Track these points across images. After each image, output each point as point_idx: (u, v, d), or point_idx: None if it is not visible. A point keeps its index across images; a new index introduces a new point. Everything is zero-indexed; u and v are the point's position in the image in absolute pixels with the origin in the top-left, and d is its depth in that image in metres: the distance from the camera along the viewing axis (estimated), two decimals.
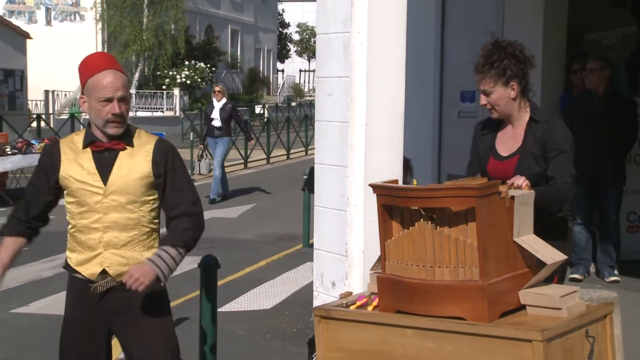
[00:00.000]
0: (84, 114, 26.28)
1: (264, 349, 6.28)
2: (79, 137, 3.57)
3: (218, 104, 14.27)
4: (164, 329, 3.57)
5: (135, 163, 3.49)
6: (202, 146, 15.34)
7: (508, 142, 3.87)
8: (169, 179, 3.52)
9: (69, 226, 3.58)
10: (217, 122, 14.23)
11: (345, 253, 6.60)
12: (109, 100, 3.41)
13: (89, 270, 3.51)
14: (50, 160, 3.56)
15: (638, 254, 8.07)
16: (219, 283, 4.72)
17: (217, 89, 14.59)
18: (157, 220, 3.60)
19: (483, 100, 3.83)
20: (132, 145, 3.51)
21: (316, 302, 7.00)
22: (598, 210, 7.77)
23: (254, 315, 7.27)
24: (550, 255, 3.25)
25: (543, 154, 3.75)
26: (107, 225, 3.47)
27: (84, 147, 3.51)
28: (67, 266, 3.61)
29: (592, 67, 7.56)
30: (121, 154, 3.49)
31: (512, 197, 3.25)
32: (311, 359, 4.91)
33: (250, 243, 10.77)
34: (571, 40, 8.36)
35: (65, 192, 3.54)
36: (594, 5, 8.76)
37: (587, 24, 8.72)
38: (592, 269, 7.89)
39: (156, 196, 3.54)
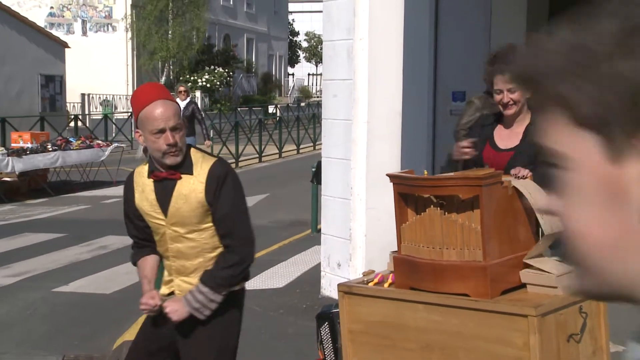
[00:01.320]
0: (116, 114, 26.32)
1: (278, 323, 6.26)
2: (146, 167, 3.30)
3: (182, 104, 12.66)
4: (219, 354, 3.34)
5: (190, 193, 3.17)
6: None
7: (506, 137, 3.87)
8: (214, 205, 3.17)
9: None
10: None
11: (349, 237, 6.59)
12: (162, 131, 3.10)
13: (166, 291, 3.33)
14: (127, 191, 3.34)
15: None
16: None
17: (181, 88, 13.28)
18: (219, 244, 3.30)
19: (506, 97, 3.80)
20: (188, 173, 3.19)
21: (323, 281, 6.99)
22: None
23: (268, 293, 7.25)
24: (551, 225, 3.23)
25: (536, 155, 3.75)
26: (174, 254, 3.25)
27: (148, 177, 3.26)
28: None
29: None
30: (178, 184, 3.18)
31: (515, 187, 3.25)
32: (319, 331, 4.89)
33: (264, 228, 10.74)
34: None
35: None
36: (574, 5, 8.70)
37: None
38: None
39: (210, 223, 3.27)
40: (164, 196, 3.20)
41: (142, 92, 3.27)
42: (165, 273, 3.36)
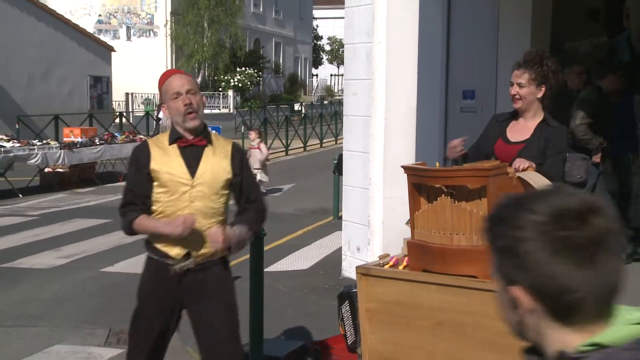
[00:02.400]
0: (155, 111, 26.46)
1: (302, 301, 6.26)
2: (164, 137, 3.37)
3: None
4: (227, 312, 3.39)
5: (217, 160, 3.31)
6: None
7: (518, 131, 3.82)
8: (244, 178, 3.37)
9: (155, 213, 3.32)
10: (164, 121, 11.85)
11: (368, 223, 6.56)
12: (178, 94, 3.25)
13: (174, 251, 3.29)
14: (142, 156, 3.33)
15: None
16: (265, 248, 4.69)
17: None
18: (226, 212, 3.41)
19: (514, 90, 3.75)
20: (212, 144, 3.34)
21: (344, 264, 6.97)
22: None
23: (294, 274, 7.25)
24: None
25: (544, 151, 3.70)
26: (193, 212, 3.26)
27: (170, 143, 3.31)
28: (148, 247, 3.39)
29: (579, 70, 7.47)
30: (205, 150, 3.30)
31: (519, 177, 3.23)
32: (340, 310, 4.88)
33: (290, 215, 10.75)
34: (553, 47, 8.20)
35: (155, 183, 3.29)
36: (573, 18, 8.62)
37: (566, 33, 8.57)
38: None
39: (229, 191, 3.37)
40: (191, 160, 3.28)
41: (164, 74, 3.43)
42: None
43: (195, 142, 3.30)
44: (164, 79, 3.36)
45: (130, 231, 3.36)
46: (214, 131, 3.50)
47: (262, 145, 12.45)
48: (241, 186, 3.39)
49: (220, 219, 3.35)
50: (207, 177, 3.28)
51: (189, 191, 3.26)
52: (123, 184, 12.65)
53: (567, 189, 1.21)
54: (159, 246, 3.33)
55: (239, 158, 3.38)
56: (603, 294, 1.17)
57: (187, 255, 3.30)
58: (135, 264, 7.72)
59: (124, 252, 8.25)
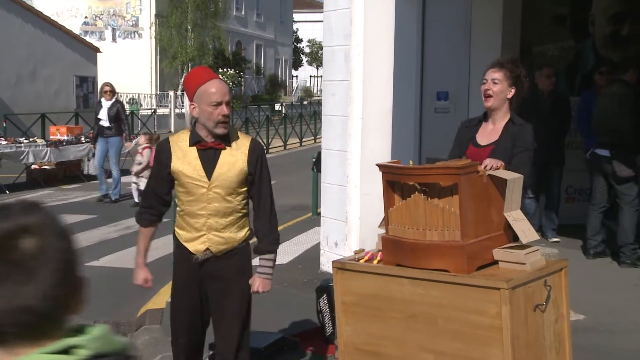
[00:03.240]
0: (141, 110, 26.21)
1: (282, 295, 6.25)
2: (185, 136, 3.39)
3: (107, 104, 10.99)
4: (241, 300, 3.49)
5: (234, 161, 3.34)
6: (92, 146, 12.04)
7: (487, 134, 3.82)
8: (256, 177, 3.41)
9: (178, 209, 3.46)
10: (104, 122, 11.00)
11: (346, 219, 6.57)
12: (219, 104, 3.25)
13: (194, 247, 3.42)
14: (164, 156, 3.39)
15: (574, 219, 8.02)
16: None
17: (107, 88, 11.12)
18: (247, 206, 3.48)
19: (487, 85, 3.75)
20: (230, 145, 3.36)
21: (322, 258, 6.97)
22: (544, 186, 7.71)
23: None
24: (526, 234, 3.23)
25: (512, 149, 3.70)
26: (210, 212, 3.35)
27: (190, 145, 3.35)
28: (175, 238, 3.52)
29: (549, 73, 7.50)
30: (222, 152, 3.34)
31: (489, 175, 3.24)
32: (318, 303, 4.89)
33: None
34: (523, 50, 8.27)
35: (175, 182, 3.40)
36: (541, 23, 8.69)
37: (535, 38, 8.64)
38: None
39: (246, 188, 3.42)
40: (208, 163, 3.33)
41: (198, 73, 3.38)
42: (192, 232, 3.41)
43: (214, 145, 3.33)
44: (200, 80, 3.29)
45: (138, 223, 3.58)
46: (233, 129, 3.50)
47: (146, 152, 10.55)
48: (253, 183, 3.42)
49: (240, 215, 3.42)
50: (222, 179, 3.32)
51: (206, 193, 3.33)
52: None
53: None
54: (181, 240, 3.47)
55: (256, 155, 3.39)
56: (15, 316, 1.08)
57: (206, 251, 3.42)
58: (120, 259, 7.67)
59: (109, 247, 8.19)
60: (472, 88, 7.12)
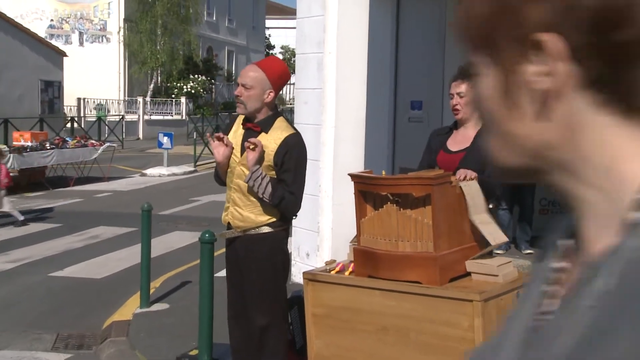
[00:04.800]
0: (108, 117, 25.95)
1: None
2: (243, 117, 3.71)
3: None
4: (268, 281, 3.62)
5: (264, 147, 3.52)
6: None
7: (459, 141, 3.87)
8: (281, 170, 3.53)
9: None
10: None
11: (318, 230, 6.57)
12: (238, 84, 3.62)
13: (223, 218, 3.71)
14: (228, 128, 3.76)
15: (547, 231, 8.11)
16: (215, 254, 4.66)
17: None
18: None
19: (455, 100, 3.80)
20: (267, 132, 3.57)
21: (294, 269, 6.95)
22: (517, 198, 7.80)
23: None
24: (494, 237, 3.26)
25: (484, 158, 3.74)
26: (235, 187, 3.60)
27: (242, 123, 3.68)
28: None
29: None
30: (260, 136, 3.55)
31: (461, 187, 3.27)
32: (289, 314, 4.86)
33: None
34: None
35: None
36: None
37: None
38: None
39: (272, 176, 3.57)
40: (245, 141, 3.57)
41: (281, 63, 3.79)
42: (227, 203, 3.69)
43: (251, 127, 3.61)
44: (283, 73, 3.66)
45: (218, 179, 3.80)
46: (283, 119, 3.66)
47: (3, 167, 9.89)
48: (279, 175, 3.54)
49: (260, 204, 3.55)
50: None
51: (236, 167, 3.60)
52: (74, 188, 12.37)
53: None
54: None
55: (286, 150, 3.52)
56: None
57: (229, 226, 3.66)
58: (84, 269, 7.58)
59: (73, 257, 8.09)
60: (445, 97, 7.17)
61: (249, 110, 3.59)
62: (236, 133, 3.68)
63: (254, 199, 3.56)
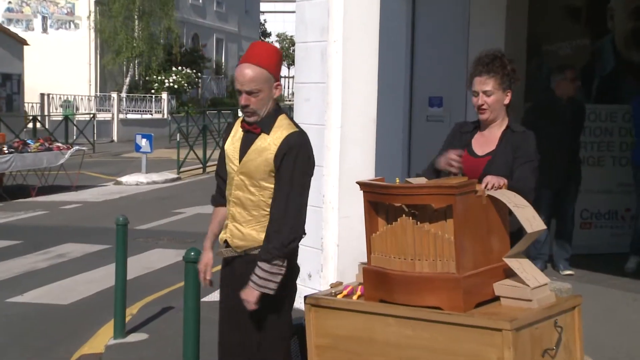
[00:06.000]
0: (77, 116, 26.00)
1: None
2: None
3: None
4: (260, 310, 3.56)
5: (264, 150, 3.53)
6: None
7: (484, 143, 3.87)
8: (278, 173, 3.51)
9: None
10: None
11: (321, 247, 6.58)
12: (240, 92, 3.54)
13: (221, 235, 3.69)
14: (227, 132, 3.75)
15: (590, 249, 8.10)
16: None
17: None
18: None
19: (481, 100, 3.79)
20: (267, 132, 3.55)
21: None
22: (556, 208, 7.77)
23: None
24: (531, 223, 3.23)
25: (512, 160, 3.75)
26: (234, 200, 3.60)
27: (241, 125, 3.65)
28: None
29: (572, 76, 7.59)
30: (258, 138, 3.56)
31: (489, 196, 3.26)
32: None
33: None
34: (530, 49, 8.38)
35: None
36: (551, 18, 8.79)
37: (544, 35, 8.76)
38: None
39: (274, 185, 3.54)
40: (245, 146, 3.59)
41: (276, 50, 3.68)
42: (227, 219, 3.68)
43: (250, 129, 3.59)
44: (241, 59, 3.59)
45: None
46: (285, 116, 3.63)
47: None
48: (276, 178, 3.52)
49: (265, 213, 3.54)
50: (249, 166, 3.55)
51: (234, 177, 3.60)
52: (37, 199, 12.41)
53: None
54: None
55: (286, 149, 3.49)
56: None
57: (226, 246, 3.65)
58: (49, 293, 7.60)
59: (36, 280, 8.11)
60: (469, 93, 7.20)
61: (262, 116, 3.57)
62: (234, 138, 3.67)
63: (256, 214, 3.55)
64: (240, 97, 3.55)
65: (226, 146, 3.68)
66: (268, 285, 3.44)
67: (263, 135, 3.54)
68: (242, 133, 3.63)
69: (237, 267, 3.63)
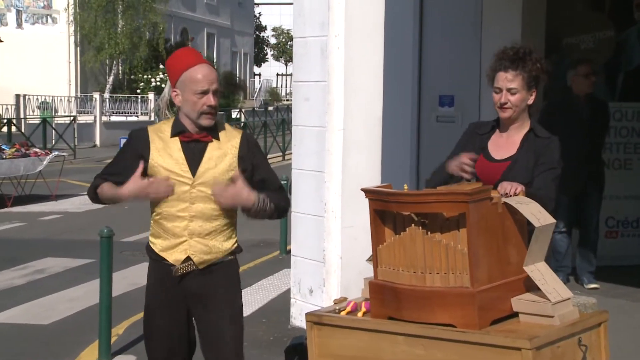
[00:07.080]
0: (56, 118, 26.03)
1: None
2: (166, 126, 3.70)
3: None
4: (233, 317, 3.74)
5: (222, 155, 3.64)
6: None
7: (502, 146, 3.87)
8: (256, 171, 3.71)
9: (154, 213, 3.71)
10: None
11: (323, 259, 6.60)
12: (205, 92, 3.58)
13: (173, 257, 3.66)
14: (139, 145, 3.69)
15: (616, 260, 8.10)
16: None
17: None
18: (236, 213, 3.76)
19: (504, 98, 3.79)
20: (218, 138, 3.67)
21: (293, 310, 6.99)
22: (579, 217, 7.75)
23: None
24: (538, 218, 3.24)
25: (533, 167, 3.75)
26: (193, 214, 3.63)
27: (172, 136, 3.66)
28: (149, 251, 3.76)
29: (586, 71, 7.53)
30: (210, 146, 3.64)
31: (505, 203, 3.27)
32: None
33: None
34: (549, 43, 8.40)
35: (151, 179, 3.62)
36: (572, 9, 8.80)
37: (564, 27, 8.76)
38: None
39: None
40: (193, 157, 3.64)
41: (184, 55, 3.71)
42: (170, 238, 3.67)
43: (200, 138, 3.65)
44: (185, 63, 3.63)
45: (95, 196, 3.79)
46: (224, 122, 3.81)
47: None
48: (252, 181, 3.67)
49: (227, 222, 3.70)
50: (209, 175, 3.62)
51: (189, 191, 3.62)
52: (13, 210, 12.37)
53: None
54: (157, 251, 3.71)
55: (249, 148, 3.70)
56: None
57: (187, 260, 3.66)
58: (27, 313, 7.61)
59: (12, 298, 8.12)
60: (483, 91, 7.22)
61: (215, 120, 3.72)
62: (163, 151, 3.64)
63: (218, 223, 3.67)
64: (202, 98, 3.59)
65: (156, 160, 3.64)
66: (264, 208, 3.63)
67: (214, 143, 3.66)
68: (177, 144, 3.65)
69: (190, 284, 3.68)
